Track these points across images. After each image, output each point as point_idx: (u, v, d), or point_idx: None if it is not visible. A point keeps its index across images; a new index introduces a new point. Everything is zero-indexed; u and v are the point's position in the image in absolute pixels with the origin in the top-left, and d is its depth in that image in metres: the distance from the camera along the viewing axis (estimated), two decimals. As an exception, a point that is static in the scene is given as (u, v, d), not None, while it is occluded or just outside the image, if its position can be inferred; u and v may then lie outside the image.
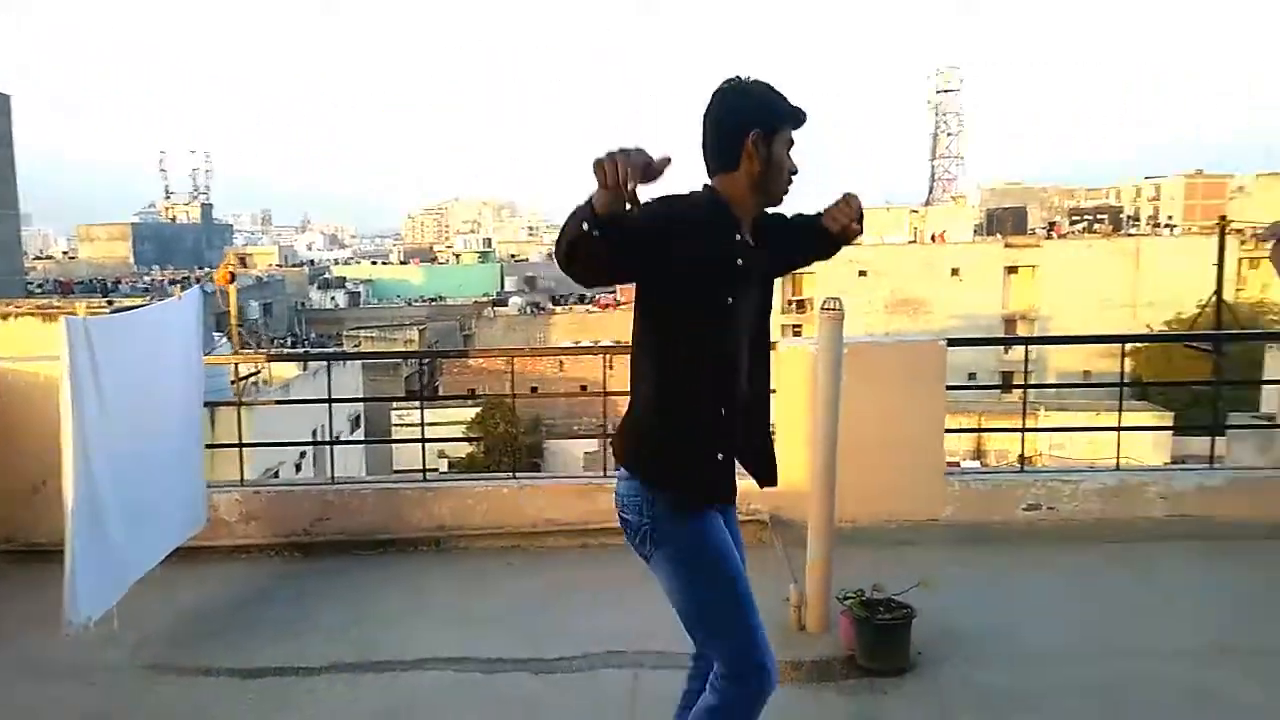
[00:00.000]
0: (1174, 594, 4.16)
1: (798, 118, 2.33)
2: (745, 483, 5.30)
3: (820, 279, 43.87)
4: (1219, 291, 12.25)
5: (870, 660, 3.51)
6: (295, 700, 3.45)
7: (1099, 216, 59.07)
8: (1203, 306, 13.35)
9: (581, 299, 58.78)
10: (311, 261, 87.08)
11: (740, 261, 2.28)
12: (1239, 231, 37.50)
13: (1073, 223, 57.39)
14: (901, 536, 4.83)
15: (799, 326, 40.59)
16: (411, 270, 78.85)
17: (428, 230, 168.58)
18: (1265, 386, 5.21)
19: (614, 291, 56.37)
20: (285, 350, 39.91)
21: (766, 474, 2.53)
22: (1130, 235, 51.13)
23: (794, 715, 3.21)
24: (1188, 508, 4.89)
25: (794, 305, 44.49)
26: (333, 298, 65.78)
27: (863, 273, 45.03)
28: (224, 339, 22.77)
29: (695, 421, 2.30)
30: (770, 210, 2.42)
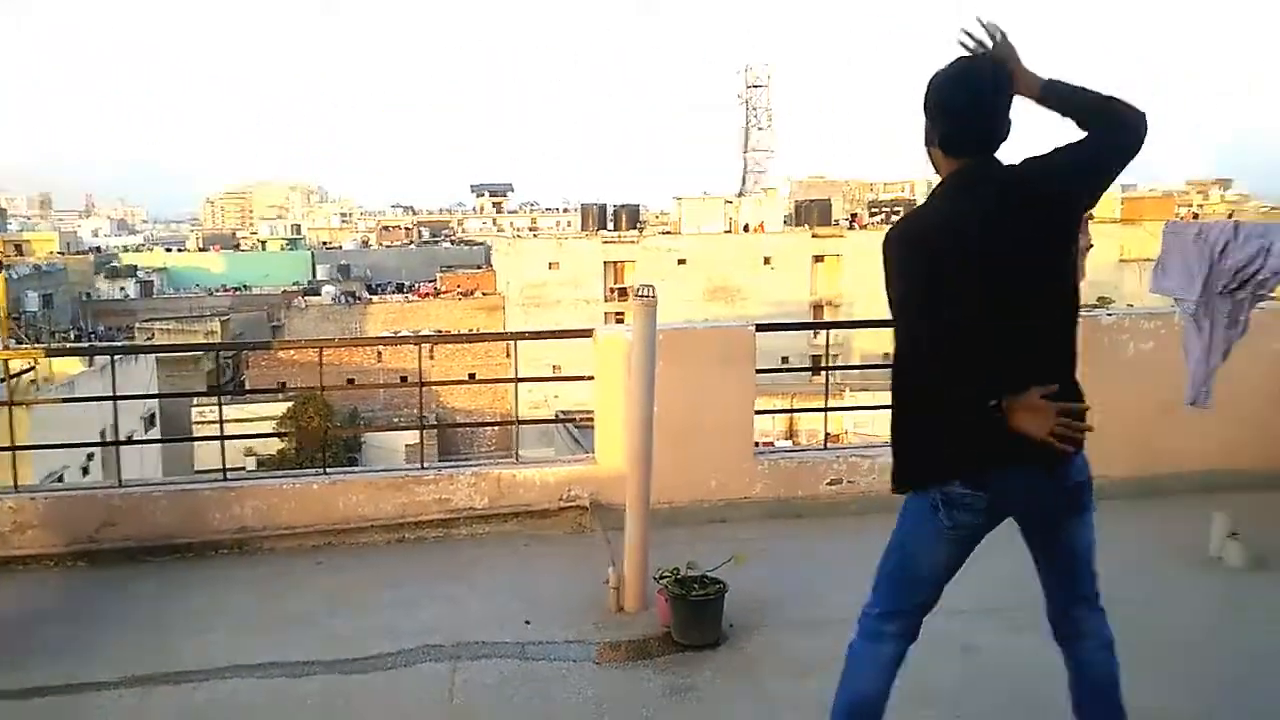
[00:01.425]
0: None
1: None
2: (571, 469, 5.31)
3: (641, 267, 44.63)
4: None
5: (685, 636, 3.61)
6: (84, 717, 3.19)
7: (895, 208, 62.88)
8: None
9: (399, 288, 57.20)
10: (98, 249, 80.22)
11: None
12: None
13: (872, 214, 60.81)
14: (716, 515, 4.99)
15: (621, 314, 41.06)
16: (212, 258, 74.02)
17: (229, 215, 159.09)
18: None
19: (433, 280, 55.19)
20: (68, 345, 36.71)
21: None
22: (924, 226, 54.57)
23: (612, 694, 3.26)
24: (972, 477, 5.29)
25: (616, 293, 45.02)
26: (123, 288, 60.89)
27: (681, 261, 46.09)
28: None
29: None
30: None
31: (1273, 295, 4.62)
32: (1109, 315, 5.42)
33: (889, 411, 2.44)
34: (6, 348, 16.83)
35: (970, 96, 2.34)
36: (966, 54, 2.40)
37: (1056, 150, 2.32)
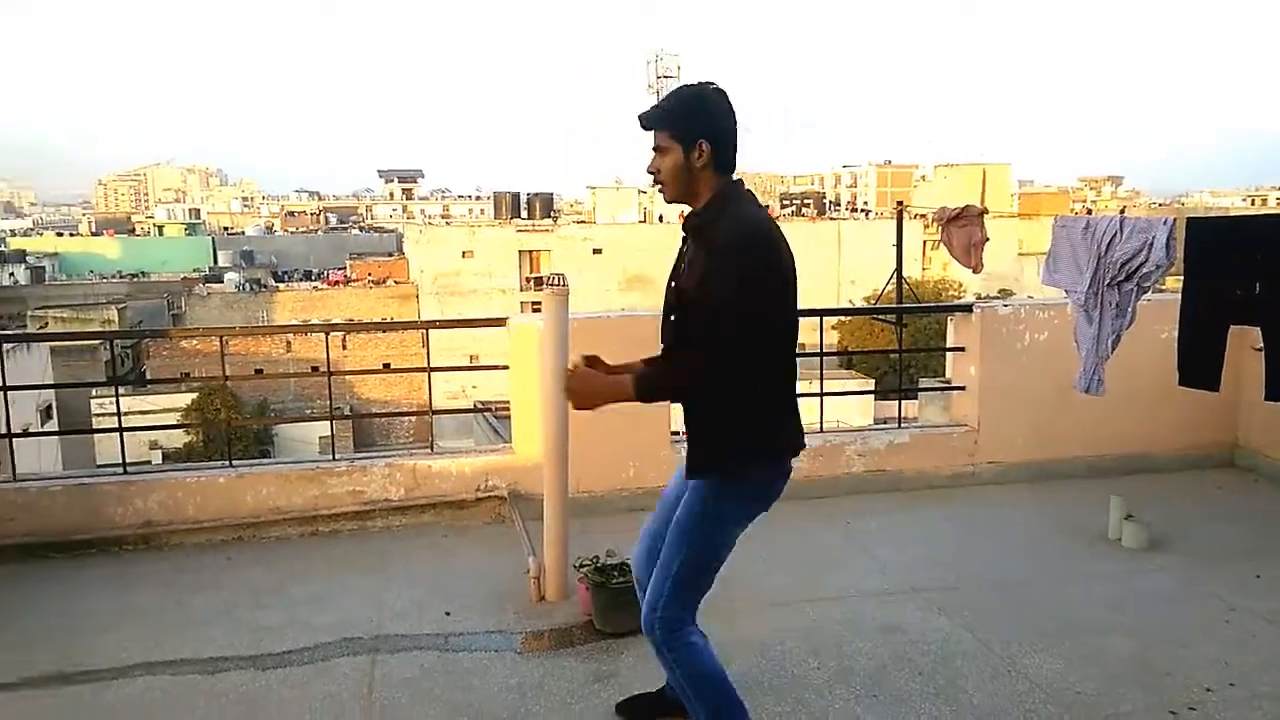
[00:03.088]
0: (869, 542, 4.64)
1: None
2: (488, 459, 5.29)
3: (557, 257, 44.46)
4: (899, 269, 13.74)
5: (607, 623, 3.64)
6: (-23, 726, 3.06)
7: (806, 201, 64.00)
8: (888, 283, 14.93)
9: (307, 275, 55.72)
10: (-19, 232, 76.06)
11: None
12: (921, 216, 42.01)
13: (783, 206, 61.78)
14: (636, 503, 5.03)
15: (538, 303, 40.87)
16: (106, 242, 70.80)
17: (123, 199, 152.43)
18: (947, 353, 5.95)
19: (343, 268, 53.92)
20: (-50, 333, 34.73)
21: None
22: (833, 219, 55.85)
23: (535, 682, 3.28)
24: (881, 463, 5.47)
25: (531, 283, 44.74)
26: (12, 273, 57.81)
27: (597, 250, 46.07)
28: None
29: None
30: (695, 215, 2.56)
31: (1160, 286, 4.87)
32: (1005, 306, 5.64)
33: (716, 399, 2.49)
34: (-119, 337, 15.83)
35: (734, 116, 2.54)
36: (700, 82, 2.55)
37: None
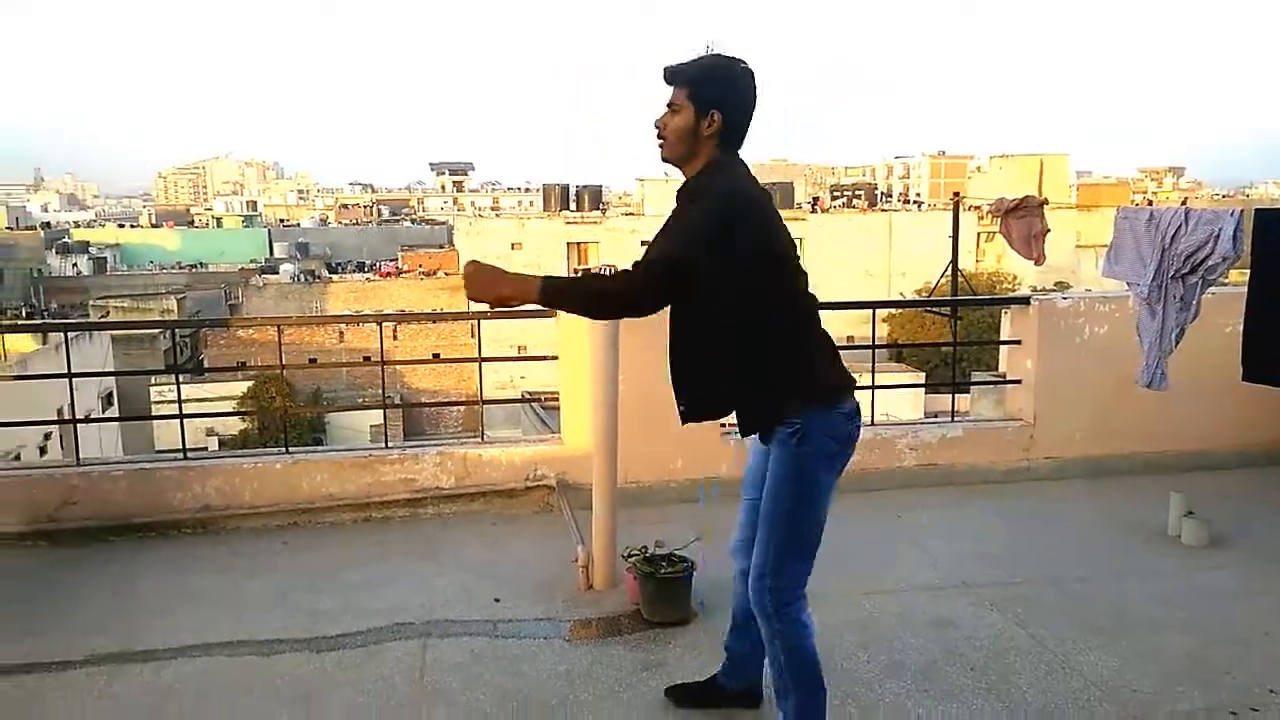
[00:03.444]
0: (921, 536, 4.59)
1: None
2: (537, 449, 5.33)
3: (605, 248, 44.52)
4: (955, 261, 13.50)
5: (654, 613, 3.65)
6: (47, 697, 3.16)
7: (857, 192, 63.29)
8: (942, 275, 14.70)
9: (360, 267, 56.53)
10: (48, 224, 78.22)
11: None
12: (976, 208, 41.35)
13: (834, 198, 61.19)
14: (683, 494, 5.03)
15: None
16: (166, 234, 72.53)
17: (183, 191, 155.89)
18: (1000, 346, 5.86)
19: (395, 259, 54.61)
20: (19, 321, 35.86)
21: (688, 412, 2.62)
22: (884, 210, 55.18)
23: (584, 670, 3.29)
24: (934, 457, 5.40)
25: (580, 274, 44.87)
26: (75, 264, 59.54)
27: (645, 242, 45.82)
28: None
29: None
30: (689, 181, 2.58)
31: (1224, 280, 4.74)
32: (1065, 299, 5.53)
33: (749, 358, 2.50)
34: (-46, 325, 16.40)
35: (755, 99, 2.51)
36: (732, 56, 2.50)
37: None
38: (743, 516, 2.83)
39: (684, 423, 2.60)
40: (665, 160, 2.57)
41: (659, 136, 2.54)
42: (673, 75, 2.50)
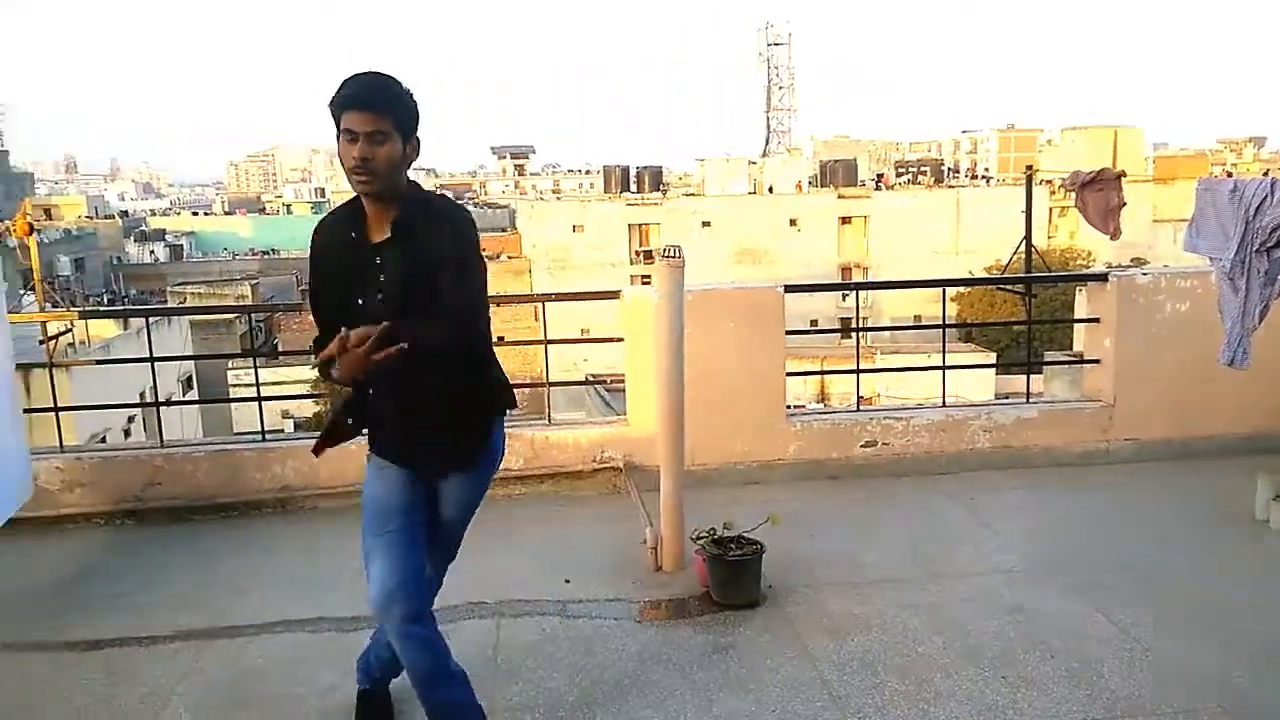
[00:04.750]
0: (994, 519, 4.50)
1: (341, 105, 2.31)
2: (603, 431, 5.34)
3: (666, 230, 44.41)
4: (1028, 237, 13.10)
5: (724, 595, 3.65)
6: (139, 670, 3.29)
7: (922, 168, 61.99)
8: (1015, 252, 14.31)
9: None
10: (125, 213, 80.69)
11: (361, 264, 2.43)
12: (1048, 182, 40.25)
13: (899, 174, 59.96)
14: (750, 476, 5.02)
15: (647, 277, 40.99)
16: (238, 221, 74.34)
17: (253, 179, 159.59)
18: (1075, 325, 5.68)
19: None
20: (101, 307, 37.16)
21: (437, 465, 2.80)
22: (951, 186, 54.02)
23: (654, 651, 3.31)
24: (1008, 439, 5.29)
25: (641, 256, 44.86)
26: (152, 251, 61.40)
27: (706, 223, 45.80)
28: (27, 296, 21.00)
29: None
30: (441, 210, 2.47)
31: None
32: (1144, 275, 5.36)
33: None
34: (42, 311, 17.06)
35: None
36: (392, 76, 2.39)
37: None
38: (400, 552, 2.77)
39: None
40: (371, 194, 2.38)
41: (363, 170, 2.31)
42: (371, 102, 2.30)
